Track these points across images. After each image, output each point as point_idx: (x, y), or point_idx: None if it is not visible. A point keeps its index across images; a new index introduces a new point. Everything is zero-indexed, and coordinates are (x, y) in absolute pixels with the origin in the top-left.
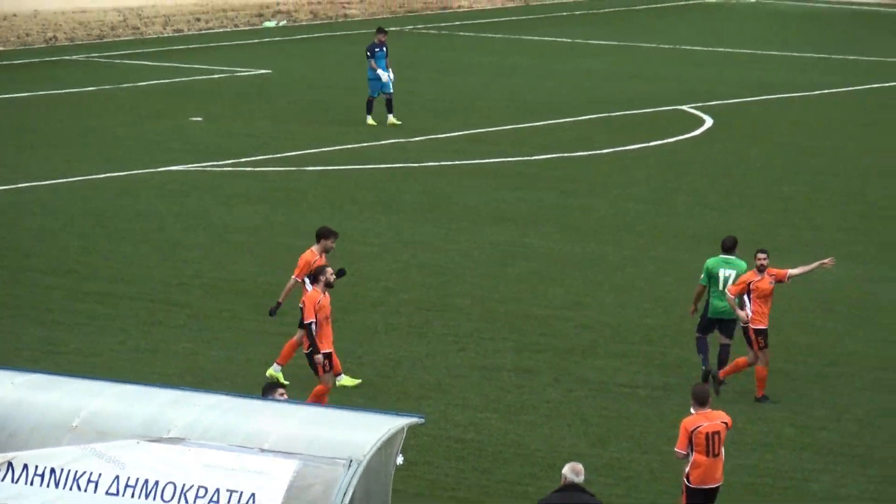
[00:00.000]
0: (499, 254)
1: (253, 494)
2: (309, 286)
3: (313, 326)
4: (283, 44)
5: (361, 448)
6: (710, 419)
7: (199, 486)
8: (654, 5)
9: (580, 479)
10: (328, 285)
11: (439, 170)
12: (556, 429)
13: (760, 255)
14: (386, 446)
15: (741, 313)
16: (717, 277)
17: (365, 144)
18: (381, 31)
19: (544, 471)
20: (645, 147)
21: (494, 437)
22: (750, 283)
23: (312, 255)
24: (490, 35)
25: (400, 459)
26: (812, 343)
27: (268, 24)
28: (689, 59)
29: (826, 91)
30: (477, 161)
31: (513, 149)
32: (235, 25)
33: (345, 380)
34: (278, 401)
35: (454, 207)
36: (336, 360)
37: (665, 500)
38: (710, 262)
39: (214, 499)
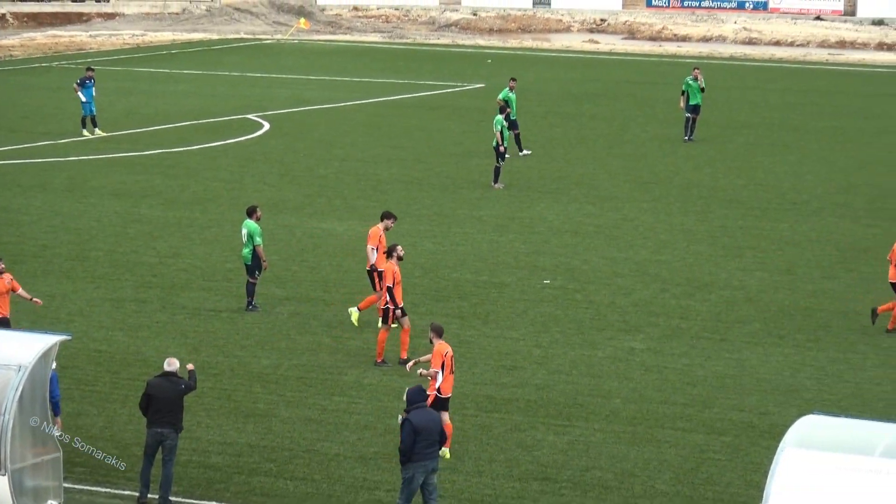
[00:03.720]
0: (121, 220)
1: None
2: (373, 255)
3: (394, 289)
4: None
5: (27, 357)
6: (448, 346)
7: None
8: (225, 46)
9: (172, 368)
10: (399, 258)
11: (80, 162)
12: (164, 341)
13: None
14: (45, 356)
15: None
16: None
17: (27, 145)
18: (89, 69)
19: (157, 370)
20: (224, 144)
21: (121, 348)
22: None
23: (378, 230)
24: (113, 68)
25: (54, 365)
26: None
27: None
28: (252, 82)
29: (347, 103)
30: (107, 155)
31: (132, 146)
32: None
33: (355, 314)
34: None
35: (90, 188)
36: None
37: (241, 390)
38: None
39: None
